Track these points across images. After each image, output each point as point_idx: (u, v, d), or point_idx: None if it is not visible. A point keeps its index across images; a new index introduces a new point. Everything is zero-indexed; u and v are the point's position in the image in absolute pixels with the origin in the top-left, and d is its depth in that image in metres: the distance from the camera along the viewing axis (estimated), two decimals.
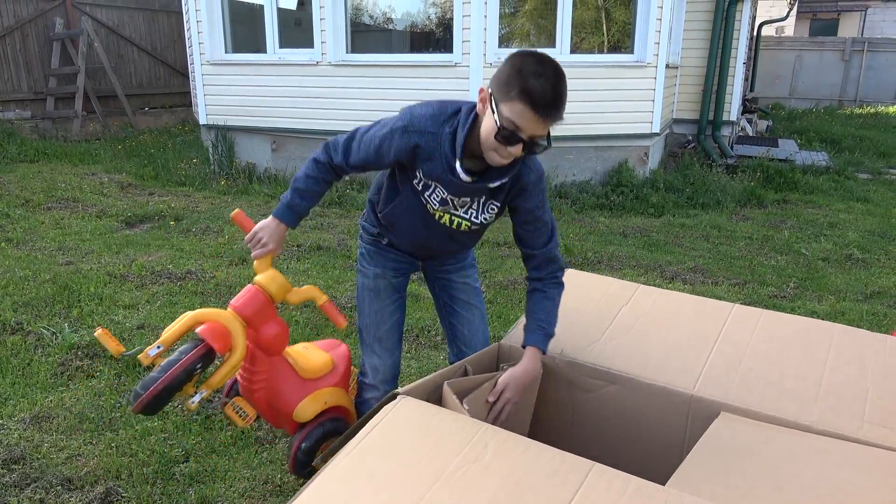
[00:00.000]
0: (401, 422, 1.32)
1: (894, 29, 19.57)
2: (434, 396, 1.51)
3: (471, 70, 5.99)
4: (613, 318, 1.76)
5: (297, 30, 7.16)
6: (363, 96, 6.48)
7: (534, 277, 1.74)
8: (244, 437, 2.38)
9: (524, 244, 1.75)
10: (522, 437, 1.27)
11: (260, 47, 7.07)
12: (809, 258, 4.78)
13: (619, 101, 6.38)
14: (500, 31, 6.09)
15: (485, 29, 5.91)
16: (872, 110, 14.77)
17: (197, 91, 7.41)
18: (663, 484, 1.30)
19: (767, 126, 11.84)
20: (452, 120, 1.62)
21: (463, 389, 1.51)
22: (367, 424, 1.33)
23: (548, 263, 1.73)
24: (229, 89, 7.17)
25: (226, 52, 7.20)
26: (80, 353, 3.00)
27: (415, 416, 1.34)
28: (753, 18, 11.59)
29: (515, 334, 1.75)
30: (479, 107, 1.57)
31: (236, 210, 1.87)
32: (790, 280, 4.30)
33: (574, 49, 6.39)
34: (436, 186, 1.70)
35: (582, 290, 1.89)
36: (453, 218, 1.75)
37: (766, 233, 5.36)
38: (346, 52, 6.62)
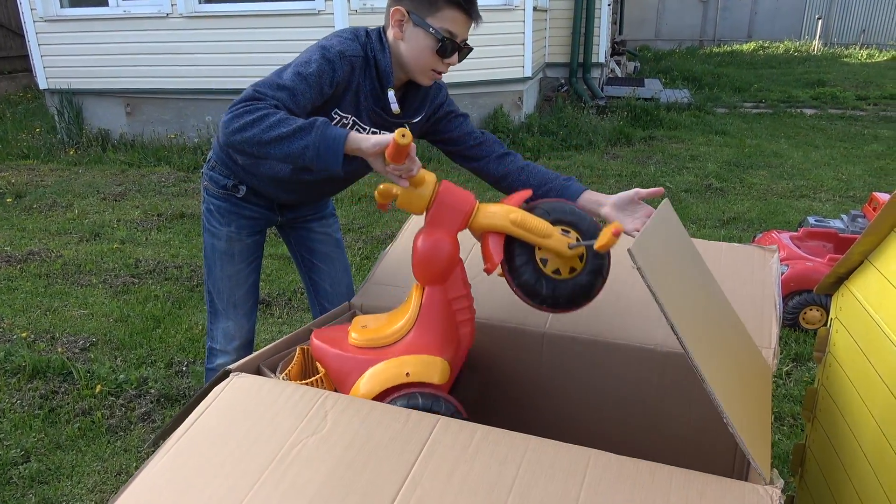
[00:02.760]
0: (233, 401, 1.21)
1: None
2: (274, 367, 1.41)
3: (335, 18, 5.71)
4: (466, 258, 1.71)
5: None
6: (221, 50, 6.04)
7: (505, 157, 1.65)
8: (94, 427, 2.18)
9: (467, 143, 1.64)
10: (365, 400, 1.19)
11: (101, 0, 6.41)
12: (673, 190, 5.01)
13: (491, 45, 6.32)
14: None
15: None
16: (729, 49, 15.65)
17: (32, 52, 6.65)
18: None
19: (635, 67, 12.27)
20: (368, 44, 1.50)
21: (278, 364, 1.41)
22: (197, 408, 1.21)
23: (496, 141, 1.67)
24: (71, 48, 6.48)
25: (61, 6, 6.47)
26: None
27: (249, 394, 1.23)
28: None
29: (365, 291, 1.66)
30: (393, 32, 1.49)
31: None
32: None
33: None
34: (354, 123, 1.54)
35: None
36: None
37: (635, 169, 5.56)
38: (199, 3, 6.12)
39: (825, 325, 3.00)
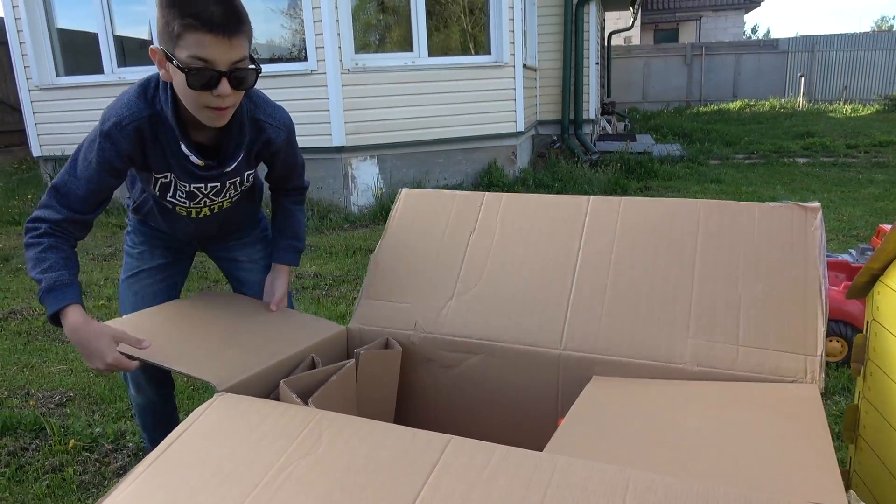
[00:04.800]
0: (215, 422, 1.06)
1: (726, 35, 21.43)
2: (265, 393, 1.26)
3: (328, 77, 5.75)
4: (462, 257, 1.52)
5: (139, 49, 6.63)
6: None
7: (282, 199, 1.70)
8: (65, 484, 1.98)
9: (277, 183, 1.67)
10: (366, 419, 1.05)
11: (97, 68, 6.47)
12: None
13: (483, 101, 6.38)
14: (354, 37, 5.91)
15: (339, 34, 5.71)
16: (716, 107, 16.00)
17: (27, 120, 6.68)
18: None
19: (625, 126, 12.47)
20: (156, 97, 1.36)
21: (306, 387, 1.27)
22: (174, 430, 1.06)
23: (298, 190, 1.71)
24: (65, 115, 6.50)
25: (57, 74, 6.54)
26: None
27: (234, 415, 1.08)
28: (602, 28, 12.21)
29: (361, 313, 1.53)
30: (162, 73, 1.32)
31: None
32: None
33: (433, 52, 6.34)
34: (174, 181, 1.43)
35: (423, 220, 1.63)
36: (213, 206, 1.54)
37: None
38: None
39: (846, 359, 2.85)
